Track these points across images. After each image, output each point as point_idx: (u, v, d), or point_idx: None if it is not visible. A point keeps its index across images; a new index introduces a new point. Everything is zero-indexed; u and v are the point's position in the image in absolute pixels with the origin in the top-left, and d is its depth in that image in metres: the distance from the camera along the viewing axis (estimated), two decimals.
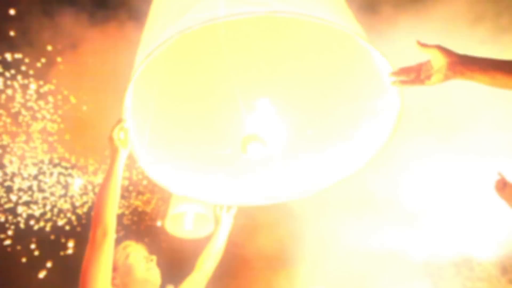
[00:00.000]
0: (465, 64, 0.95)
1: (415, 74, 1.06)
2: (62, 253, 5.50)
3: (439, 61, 1.00)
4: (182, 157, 1.50)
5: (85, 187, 5.58)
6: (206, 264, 1.65)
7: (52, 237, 5.60)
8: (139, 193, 5.84)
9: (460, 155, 4.58)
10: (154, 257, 1.38)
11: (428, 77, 1.03)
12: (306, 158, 1.57)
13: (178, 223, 2.98)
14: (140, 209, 5.83)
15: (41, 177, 5.46)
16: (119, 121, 1.32)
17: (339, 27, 0.98)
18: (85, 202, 5.64)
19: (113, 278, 1.25)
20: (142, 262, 1.34)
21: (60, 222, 5.60)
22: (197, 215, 2.94)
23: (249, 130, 1.19)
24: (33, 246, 5.52)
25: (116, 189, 1.26)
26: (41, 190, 5.49)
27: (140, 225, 5.92)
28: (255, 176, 1.63)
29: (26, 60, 5.37)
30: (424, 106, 4.73)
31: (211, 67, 1.54)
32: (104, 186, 1.26)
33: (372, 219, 5.42)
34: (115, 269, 1.28)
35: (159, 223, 5.44)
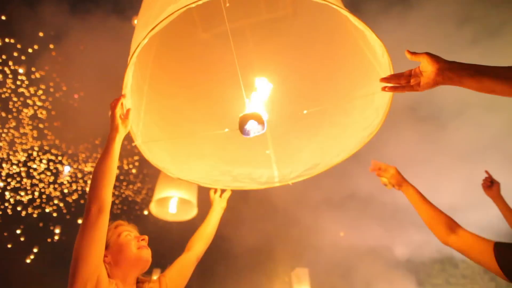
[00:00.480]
0: (453, 70, 0.97)
1: (406, 81, 1.09)
2: (49, 240, 5.47)
3: (428, 67, 1.03)
4: (177, 139, 1.52)
5: (75, 175, 5.55)
6: (197, 245, 1.60)
7: (41, 224, 5.56)
8: (130, 182, 5.84)
9: (445, 153, 4.67)
10: (145, 237, 1.37)
11: (418, 83, 1.06)
12: (298, 145, 1.61)
13: (163, 207, 3.14)
14: (130, 199, 5.82)
15: (30, 163, 5.40)
16: (120, 97, 1.30)
17: (337, 8, 1.01)
18: (75, 190, 5.60)
19: (105, 256, 1.23)
20: (134, 241, 1.33)
21: (49, 209, 5.56)
22: (181, 200, 3.13)
23: (246, 110, 1.20)
24: (19, 231, 5.47)
25: (113, 166, 1.24)
26: (30, 176, 5.43)
27: (130, 214, 5.91)
28: (247, 161, 1.65)
29: (18, 46, 5.30)
30: (410, 105, 4.81)
31: (207, 49, 1.56)
32: (101, 162, 1.24)
33: (356, 215, 5.49)
34: (106, 247, 1.27)
35: (146, 212, 5.46)
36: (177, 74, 1.58)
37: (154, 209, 3.20)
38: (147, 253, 1.33)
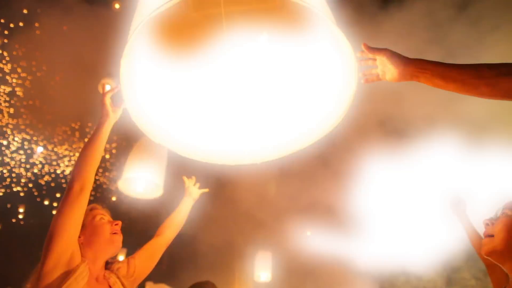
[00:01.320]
0: (412, 74, 1.10)
1: (376, 73, 1.22)
2: (14, 220, 5.34)
3: (390, 66, 1.15)
4: (165, 106, 1.62)
5: (50, 157, 5.47)
6: (167, 231, 1.68)
7: (9, 205, 5.42)
8: (105, 170, 5.81)
9: (410, 167, 4.89)
10: (119, 222, 1.41)
11: (384, 75, 1.19)
12: (268, 129, 1.74)
13: (131, 185, 3.33)
14: (104, 186, 5.79)
15: (3, 140, 5.29)
16: (115, 87, 1.36)
17: (307, 5, 1.14)
18: (47, 173, 5.51)
19: (78, 236, 1.26)
20: (108, 225, 1.36)
21: (17, 189, 5.43)
22: (147, 180, 3.27)
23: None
24: None
25: (99, 149, 1.31)
26: (2, 154, 5.31)
27: (102, 203, 5.85)
28: (221, 140, 1.77)
29: (2, 21, 5.22)
30: (378, 119, 5.04)
31: (196, 28, 1.66)
32: (89, 144, 1.31)
33: (320, 222, 5.62)
34: (82, 227, 1.28)
35: (113, 198, 5.46)
36: (171, 47, 1.68)
37: (121, 185, 3.35)
38: (118, 239, 1.38)
